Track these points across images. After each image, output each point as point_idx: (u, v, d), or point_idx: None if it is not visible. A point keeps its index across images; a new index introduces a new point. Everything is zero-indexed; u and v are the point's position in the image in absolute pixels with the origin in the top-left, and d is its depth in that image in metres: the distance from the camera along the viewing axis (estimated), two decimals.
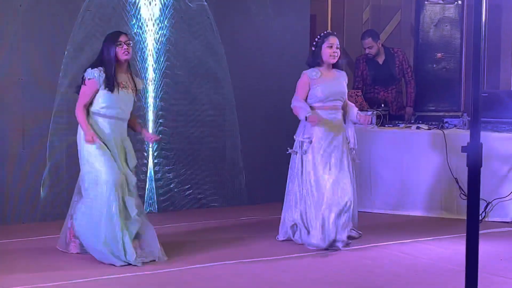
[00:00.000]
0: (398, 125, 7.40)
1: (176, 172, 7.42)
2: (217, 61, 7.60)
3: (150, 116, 7.27)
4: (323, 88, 5.74)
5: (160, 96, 7.32)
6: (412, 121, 7.63)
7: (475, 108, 2.95)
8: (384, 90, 7.98)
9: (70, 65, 6.68)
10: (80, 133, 5.27)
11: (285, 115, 7.55)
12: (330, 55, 5.77)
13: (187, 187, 7.50)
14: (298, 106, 5.75)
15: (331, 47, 5.76)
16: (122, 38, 5.24)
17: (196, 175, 7.53)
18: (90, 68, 5.25)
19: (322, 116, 5.75)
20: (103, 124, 5.24)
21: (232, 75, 7.66)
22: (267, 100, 7.87)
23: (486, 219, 6.78)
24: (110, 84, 5.19)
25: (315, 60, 5.83)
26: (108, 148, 5.21)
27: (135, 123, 5.55)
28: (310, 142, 5.74)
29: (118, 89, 5.24)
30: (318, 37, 5.82)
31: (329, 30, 6.30)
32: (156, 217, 6.70)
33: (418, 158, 7.17)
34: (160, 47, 7.25)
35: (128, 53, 5.25)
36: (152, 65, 7.20)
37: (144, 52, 7.19)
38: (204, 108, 7.56)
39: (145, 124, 7.14)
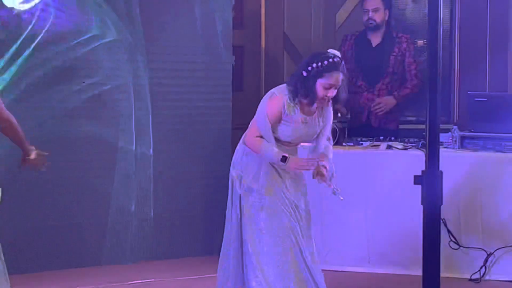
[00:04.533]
0: (360, 144, 6.11)
1: None
2: None
3: None
4: (294, 129, 4.73)
5: None
6: (381, 138, 6.25)
7: (432, 124, 2.52)
8: (370, 88, 6.47)
9: None
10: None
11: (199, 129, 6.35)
12: (323, 99, 4.61)
13: None
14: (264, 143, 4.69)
15: (328, 88, 4.55)
16: None
17: None
18: None
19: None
20: None
21: None
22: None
23: (485, 278, 5.81)
24: None
25: (306, 94, 4.60)
26: None
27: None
28: None
29: None
30: (316, 64, 4.54)
31: (334, 54, 4.60)
32: None
33: (389, 191, 5.86)
34: None
35: None
36: None
37: None
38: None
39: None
